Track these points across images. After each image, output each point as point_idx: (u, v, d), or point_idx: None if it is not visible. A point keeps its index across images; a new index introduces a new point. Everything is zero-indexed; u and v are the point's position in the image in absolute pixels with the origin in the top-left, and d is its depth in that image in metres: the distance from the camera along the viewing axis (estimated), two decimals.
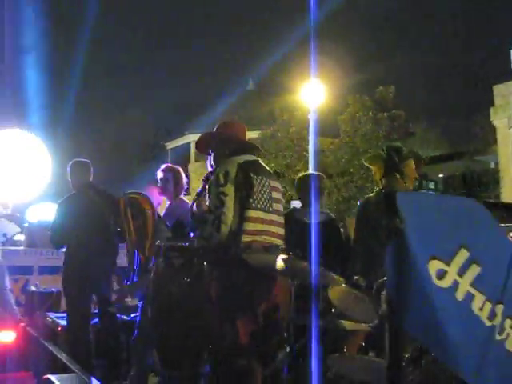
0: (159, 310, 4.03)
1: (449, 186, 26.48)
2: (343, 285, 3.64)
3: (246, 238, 3.69)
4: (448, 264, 2.06)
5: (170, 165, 5.64)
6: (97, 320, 5.78)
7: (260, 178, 3.84)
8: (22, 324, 6.22)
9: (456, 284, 2.07)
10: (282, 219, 3.97)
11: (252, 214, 3.73)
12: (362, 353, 4.05)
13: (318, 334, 3.26)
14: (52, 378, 4.01)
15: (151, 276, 4.13)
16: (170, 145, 36.50)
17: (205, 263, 3.85)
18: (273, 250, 3.79)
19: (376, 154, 4.76)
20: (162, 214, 5.38)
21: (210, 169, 4.12)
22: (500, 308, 2.16)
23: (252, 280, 3.63)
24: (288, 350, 3.65)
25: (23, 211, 9.41)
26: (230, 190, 3.68)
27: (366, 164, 4.71)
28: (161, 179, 5.41)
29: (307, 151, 20.69)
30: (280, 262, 3.52)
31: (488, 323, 2.14)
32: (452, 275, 2.06)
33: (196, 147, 4.28)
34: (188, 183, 5.72)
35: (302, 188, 5.08)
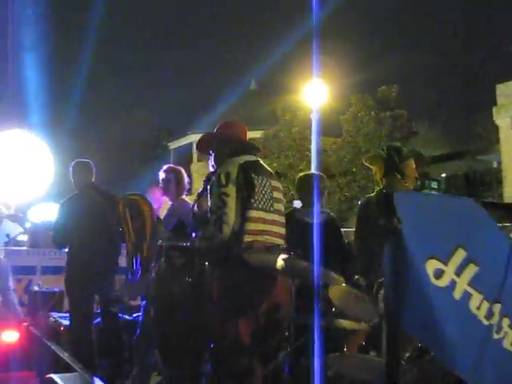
0: (161, 309, 4.05)
1: (451, 186, 26.44)
2: (343, 284, 3.65)
3: (247, 238, 3.70)
4: (445, 263, 2.08)
5: (171, 165, 5.66)
6: (99, 320, 5.80)
7: (261, 178, 3.86)
8: (25, 324, 6.24)
9: (453, 283, 2.09)
10: (283, 219, 3.99)
11: (253, 214, 3.74)
12: (363, 352, 4.06)
13: (319, 334, 3.27)
14: (54, 377, 4.03)
15: (153, 276, 4.15)
16: (173, 145, 36.51)
17: (206, 263, 3.86)
18: (274, 249, 3.80)
19: (376, 153, 4.77)
20: (164, 215, 5.41)
21: (211, 169, 4.14)
22: (497, 307, 2.18)
23: (253, 280, 3.64)
24: (288, 349, 3.66)
25: (25, 211, 9.44)
26: (231, 190, 3.70)
27: (366, 164, 4.73)
28: (162, 180, 5.44)
29: (310, 151, 20.67)
30: (280, 262, 3.54)
31: (485, 322, 2.15)
32: (449, 275, 2.07)
33: (197, 148, 4.29)
34: (190, 183, 5.74)
35: (303, 188, 5.09)
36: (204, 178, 4.08)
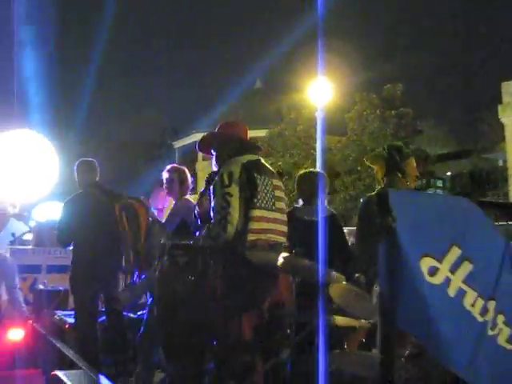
0: (164, 307, 4.09)
1: (456, 184, 26.39)
2: (344, 282, 3.68)
3: (251, 237, 3.75)
4: (440, 261, 2.11)
5: (175, 165, 5.70)
6: (104, 318, 5.84)
7: (263, 177, 3.90)
8: (31, 322, 6.30)
9: (448, 280, 2.12)
10: (284, 217, 4.03)
11: (256, 213, 3.79)
12: (364, 349, 4.08)
13: (319, 331, 3.31)
14: (59, 374, 4.07)
15: (156, 274, 4.19)
16: (178, 144, 36.54)
17: (209, 261, 3.90)
18: (277, 247, 3.85)
19: (377, 153, 4.80)
20: (167, 214, 5.46)
21: (214, 168, 4.17)
22: (492, 304, 2.21)
23: (256, 278, 3.69)
24: (290, 346, 3.70)
25: (30, 210, 9.48)
26: (234, 190, 3.74)
27: (367, 163, 4.75)
28: (166, 180, 5.48)
29: (315, 149, 20.63)
30: (281, 260, 3.58)
31: (480, 319, 2.18)
32: (444, 272, 2.10)
33: (198, 147, 4.33)
34: (194, 182, 5.78)
35: (303, 186, 5.12)
36: (206, 178, 4.12)
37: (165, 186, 5.52)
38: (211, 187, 3.90)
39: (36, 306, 7.10)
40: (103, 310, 5.92)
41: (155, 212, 5.93)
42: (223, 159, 4.04)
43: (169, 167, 5.55)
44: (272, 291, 3.85)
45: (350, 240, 5.74)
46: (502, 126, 23.74)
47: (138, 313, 5.88)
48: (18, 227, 8.01)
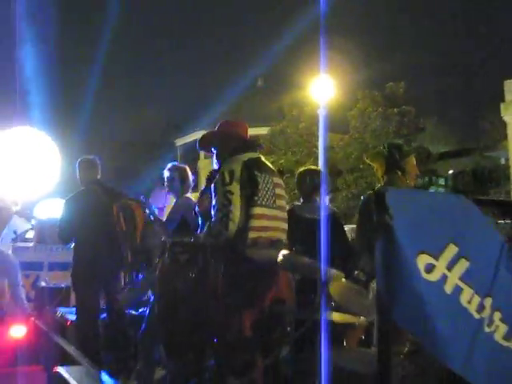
0: (165, 305, 4.11)
1: (459, 183, 26.38)
2: (343, 280, 3.70)
3: (252, 235, 3.77)
4: (436, 258, 2.12)
5: (175, 164, 5.73)
6: (105, 315, 5.88)
7: (264, 175, 3.93)
8: (33, 319, 6.32)
9: (444, 278, 2.13)
10: (285, 215, 4.06)
11: (257, 210, 3.81)
12: (364, 346, 4.11)
13: (318, 328, 3.32)
14: (61, 370, 4.10)
15: (157, 272, 4.21)
16: (179, 142, 36.57)
17: (210, 259, 3.92)
18: (278, 245, 3.87)
19: (377, 151, 4.82)
20: (169, 212, 5.48)
21: (215, 166, 4.20)
22: (488, 301, 2.22)
23: (258, 275, 3.72)
24: (290, 343, 3.72)
25: (32, 208, 9.51)
26: (235, 188, 3.77)
27: (367, 161, 4.77)
28: (167, 178, 5.51)
29: (317, 147, 20.70)
30: (281, 257, 3.60)
31: (476, 316, 2.19)
32: (440, 269, 2.12)
33: (198, 146, 4.35)
34: (195, 180, 5.80)
35: (302, 183, 5.13)
36: (206, 176, 4.15)
37: (166, 184, 5.55)
38: (212, 185, 3.93)
39: (38, 303, 7.15)
40: (104, 307, 5.96)
41: (156, 211, 5.96)
42: (224, 157, 4.07)
43: (170, 166, 5.58)
44: (272, 288, 3.87)
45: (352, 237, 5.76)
46: (504, 124, 23.74)
47: (140, 310, 5.90)
48: (20, 225, 8.05)
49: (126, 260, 5.29)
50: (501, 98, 23.57)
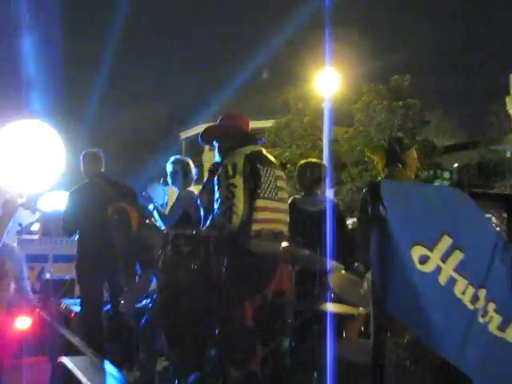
0: (167, 296, 4.14)
1: (464, 176, 26.25)
2: (343, 271, 3.74)
3: (255, 227, 3.81)
4: (431, 250, 2.15)
5: (178, 157, 5.76)
6: (109, 306, 5.92)
7: (266, 168, 3.97)
8: (38, 310, 6.38)
9: (439, 269, 2.16)
10: (286, 206, 4.11)
11: (260, 203, 3.86)
12: (364, 337, 4.13)
13: (317, 318, 3.36)
14: (65, 360, 4.16)
15: (159, 264, 4.25)
16: (184, 134, 36.55)
17: (212, 251, 3.95)
18: (280, 236, 3.92)
19: (378, 144, 4.84)
20: (171, 205, 5.52)
21: (217, 159, 4.23)
22: (483, 292, 2.25)
23: (261, 267, 3.76)
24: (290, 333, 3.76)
25: (35, 200, 9.54)
26: (238, 181, 3.81)
27: (368, 154, 4.79)
28: (170, 172, 5.54)
29: (321, 140, 20.63)
30: (282, 250, 3.63)
31: (470, 306, 2.22)
32: (435, 260, 2.15)
33: (200, 139, 4.37)
34: (198, 174, 5.83)
35: (303, 176, 5.15)
36: (209, 168, 4.18)
37: (168, 177, 5.58)
38: (215, 178, 3.96)
39: (43, 295, 7.20)
40: (108, 299, 6.00)
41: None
42: (226, 151, 4.10)
43: (172, 159, 5.61)
44: (274, 280, 3.90)
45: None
46: (510, 118, 23.66)
47: (142, 302, 5.94)
48: (25, 217, 8.09)
49: (121, 263, 5.36)
50: (507, 91, 23.47)
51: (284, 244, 3.73)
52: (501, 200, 2.62)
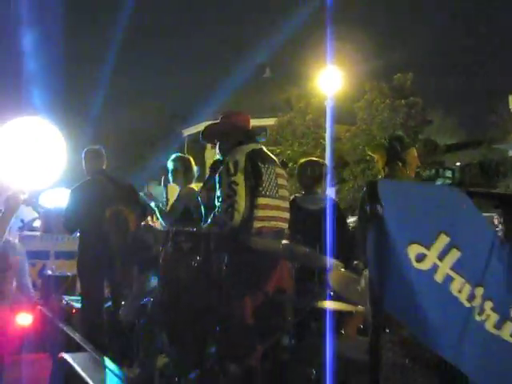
0: (167, 293, 4.16)
1: (466, 175, 26.29)
2: (342, 269, 3.75)
3: (257, 224, 3.84)
4: (428, 248, 2.16)
5: (179, 154, 5.79)
6: (110, 303, 5.94)
7: (266, 165, 3.99)
8: (39, 307, 6.40)
9: (435, 267, 2.17)
10: (287, 204, 4.13)
11: (261, 201, 3.88)
12: (362, 335, 4.15)
13: (316, 316, 3.38)
14: (66, 356, 4.17)
15: (160, 261, 4.26)
16: (187, 132, 36.57)
17: (213, 248, 3.96)
18: (281, 234, 3.94)
19: (378, 142, 4.86)
20: (172, 203, 5.54)
21: (217, 156, 4.24)
22: (480, 290, 2.25)
23: (261, 264, 3.77)
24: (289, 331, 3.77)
25: (37, 197, 9.56)
26: (240, 179, 3.83)
27: (368, 153, 4.81)
28: (171, 169, 5.56)
29: (324, 139, 20.64)
30: (282, 247, 3.65)
31: (467, 304, 2.23)
32: (431, 259, 2.16)
33: (201, 137, 4.39)
34: (199, 170, 5.85)
35: (303, 175, 5.16)
36: (210, 166, 4.20)
37: (169, 175, 5.60)
38: (217, 176, 3.98)
39: (44, 291, 7.21)
40: (109, 295, 6.03)
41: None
42: (227, 148, 4.12)
43: (173, 156, 5.64)
44: (274, 277, 3.92)
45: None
46: None
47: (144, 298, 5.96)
48: (26, 214, 8.11)
49: (118, 263, 5.40)
50: (509, 90, 23.46)
51: (284, 242, 3.74)
52: (496, 199, 2.64)
